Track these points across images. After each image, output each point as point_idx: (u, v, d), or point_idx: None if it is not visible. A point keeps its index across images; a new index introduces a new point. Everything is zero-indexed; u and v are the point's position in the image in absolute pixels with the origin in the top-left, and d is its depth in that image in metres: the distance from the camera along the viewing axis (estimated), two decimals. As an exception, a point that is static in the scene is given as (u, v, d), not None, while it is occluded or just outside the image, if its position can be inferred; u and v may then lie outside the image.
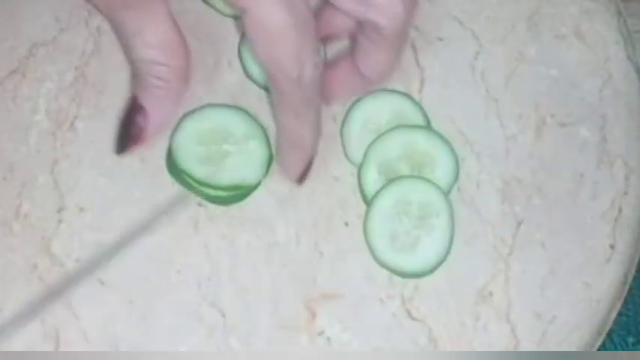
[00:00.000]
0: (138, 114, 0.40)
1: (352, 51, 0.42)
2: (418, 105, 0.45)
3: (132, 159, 0.44)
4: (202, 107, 0.44)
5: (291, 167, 0.42)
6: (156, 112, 0.40)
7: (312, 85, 0.38)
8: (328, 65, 0.43)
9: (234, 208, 0.43)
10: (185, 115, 0.43)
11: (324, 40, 0.43)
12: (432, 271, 0.43)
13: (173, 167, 0.43)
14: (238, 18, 0.46)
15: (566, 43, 0.48)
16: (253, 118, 0.44)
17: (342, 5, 0.40)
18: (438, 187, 0.43)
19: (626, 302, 0.44)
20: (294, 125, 0.40)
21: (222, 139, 0.43)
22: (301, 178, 0.42)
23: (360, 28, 0.41)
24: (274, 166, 0.44)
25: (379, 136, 0.44)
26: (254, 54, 0.37)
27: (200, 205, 0.43)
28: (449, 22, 0.48)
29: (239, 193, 0.43)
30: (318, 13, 0.43)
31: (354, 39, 0.42)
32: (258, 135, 0.43)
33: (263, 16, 0.36)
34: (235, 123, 0.44)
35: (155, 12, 0.38)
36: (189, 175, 0.42)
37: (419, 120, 0.45)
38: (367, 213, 0.43)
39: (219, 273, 0.42)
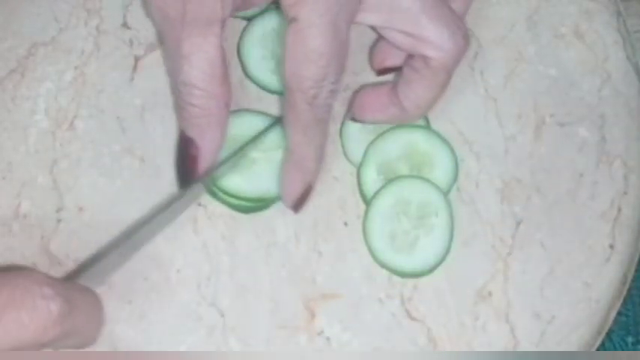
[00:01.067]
0: (189, 146, 0.40)
1: (396, 81, 0.42)
2: (417, 105, 0.45)
3: (132, 159, 0.44)
4: (232, 112, 0.43)
5: (288, 189, 0.42)
6: (204, 141, 0.40)
7: (324, 108, 0.39)
8: (370, 88, 0.44)
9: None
10: None
11: (380, 73, 0.44)
12: (431, 270, 0.43)
13: None
14: (239, 17, 0.46)
15: (565, 42, 0.48)
16: (282, 127, 0.44)
17: (394, 39, 0.41)
18: (437, 187, 0.43)
19: (625, 302, 0.44)
20: (300, 143, 0.40)
21: (251, 146, 0.43)
22: (298, 204, 0.42)
23: (408, 60, 0.41)
24: None
25: (378, 136, 0.44)
26: (282, 61, 0.38)
27: (199, 204, 0.43)
28: (448, 21, 0.48)
29: (261, 204, 0.43)
30: (373, 47, 0.45)
31: (400, 70, 0.43)
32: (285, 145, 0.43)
33: (308, 33, 0.37)
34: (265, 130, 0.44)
35: (209, 36, 0.38)
36: (214, 183, 0.42)
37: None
38: (366, 213, 0.43)
39: (219, 273, 0.42)
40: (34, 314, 0.33)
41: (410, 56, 0.41)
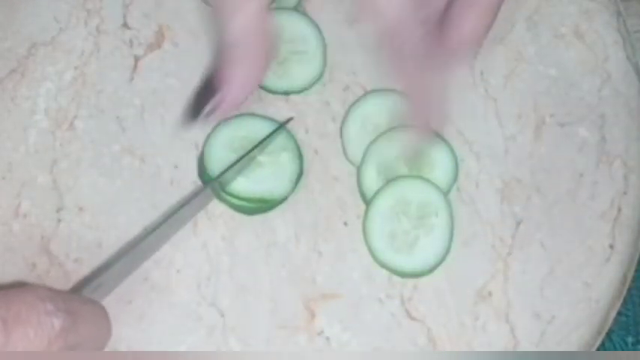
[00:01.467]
0: (219, 81, 0.40)
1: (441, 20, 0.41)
2: (417, 105, 0.45)
3: (132, 159, 0.44)
4: (239, 115, 0.44)
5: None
6: (235, 77, 0.40)
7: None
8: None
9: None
10: (221, 122, 0.43)
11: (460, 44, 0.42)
12: (431, 270, 0.43)
13: (204, 173, 0.43)
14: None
15: (565, 42, 0.48)
16: (288, 130, 0.44)
17: None
18: (437, 187, 0.43)
19: (625, 302, 0.44)
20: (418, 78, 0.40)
21: (258, 150, 0.43)
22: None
23: None
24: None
25: (378, 136, 0.44)
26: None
27: (199, 204, 0.43)
28: (448, 21, 0.47)
29: (264, 205, 0.43)
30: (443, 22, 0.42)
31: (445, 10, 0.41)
32: (290, 148, 0.43)
33: None
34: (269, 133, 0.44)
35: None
36: (222, 189, 0.42)
37: (418, 120, 0.45)
38: (366, 213, 0.43)
39: (219, 273, 0.42)
40: (39, 330, 0.34)
41: None
